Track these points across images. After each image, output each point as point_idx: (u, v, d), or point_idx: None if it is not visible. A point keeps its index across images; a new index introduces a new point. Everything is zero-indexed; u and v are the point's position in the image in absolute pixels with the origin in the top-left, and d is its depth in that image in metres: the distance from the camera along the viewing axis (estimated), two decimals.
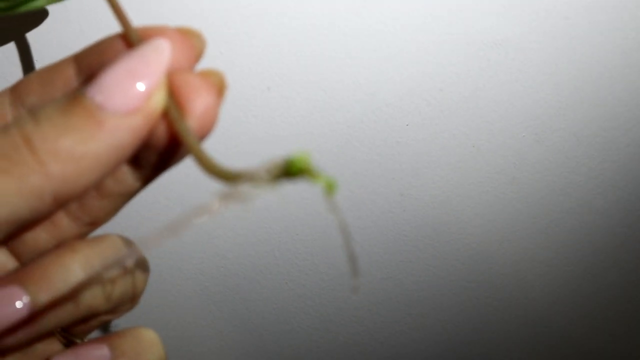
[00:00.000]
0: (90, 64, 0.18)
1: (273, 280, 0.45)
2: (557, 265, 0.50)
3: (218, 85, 0.18)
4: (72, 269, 0.17)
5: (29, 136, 0.15)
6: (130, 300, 0.20)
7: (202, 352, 0.48)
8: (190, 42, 0.18)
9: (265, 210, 0.42)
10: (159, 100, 0.16)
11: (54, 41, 0.31)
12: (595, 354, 0.57)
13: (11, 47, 0.30)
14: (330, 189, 0.17)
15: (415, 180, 0.42)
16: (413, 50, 0.36)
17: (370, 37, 0.35)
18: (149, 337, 0.20)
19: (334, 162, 0.40)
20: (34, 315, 0.16)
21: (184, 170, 0.38)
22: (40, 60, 0.31)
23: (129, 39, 0.17)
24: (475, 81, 0.38)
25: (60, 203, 0.15)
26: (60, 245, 0.18)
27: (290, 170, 0.17)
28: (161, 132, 0.17)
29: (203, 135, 0.17)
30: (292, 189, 0.41)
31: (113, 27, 0.18)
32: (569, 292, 0.53)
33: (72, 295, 0.17)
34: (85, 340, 0.20)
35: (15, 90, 0.18)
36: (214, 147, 0.37)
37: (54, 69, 0.18)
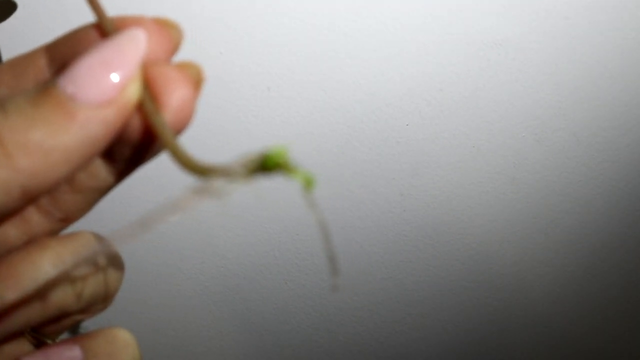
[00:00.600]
0: (62, 55, 0.17)
1: (273, 280, 0.45)
2: (557, 265, 0.50)
3: (195, 78, 0.17)
4: (41, 266, 0.16)
5: None
6: (103, 299, 0.19)
7: (202, 352, 0.48)
8: (168, 33, 0.17)
9: (266, 211, 0.42)
10: (133, 92, 0.15)
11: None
12: (595, 354, 0.57)
13: None
14: (308, 184, 0.16)
15: (415, 180, 0.42)
16: (413, 50, 0.36)
17: (370, 37, 0.35)
18: (123, 338, 0.19)
19: (334, 162, 0.40)
20: (0, 314, 0.16)
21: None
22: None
23: (104, 29, 0.17)
24: (475, 81, 0.38)
25: (29, 198, 0.15)
26: (30, 242, 0.17)
27: (266, 165, 0.16)
28: (135, 125, 0.16)
29: (179, 129, 0.17)
30: (292, 189, 0.41)
31: (85, 20, 0.18)
32: (569, 292, 0.53)
33: (41, 293, 0.16)
34: (57, 340, 0.19)
35: None
36: (214, 147, 0.37)
37: (25, 59, 0.17)
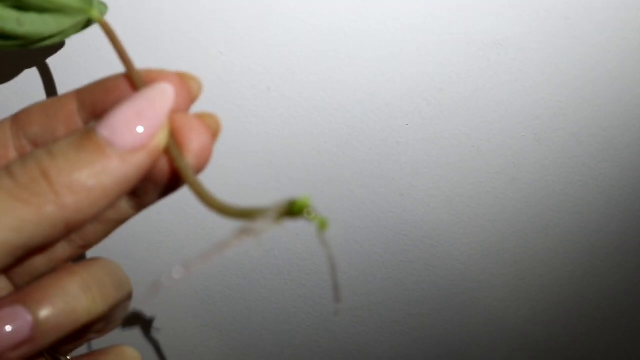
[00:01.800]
0: (93, 101, 0.19)
1: (273, 280, 0.45)
2: (557, 265, 0.50)
3: (213, 126, 0.20)
4: (71, 289, 0.18)
5: (46, 169, 0.16)
6: (117, 320, 0.21)
7: (202, 352, 0.48)
8: (188, 85, 0.19)
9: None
10: (162, 139, 0.18)
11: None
12: (595, 354, 0.57)
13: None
14: (322, 226, 0.19)
15: (415, 180, 0.42)
16: (413, 50, 0.36)
17: (370, 37, 0.35)
18: (131, 355, 0.21)
19: (334, 162, 0.40)
20: (36, 334, 0.17)
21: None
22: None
23: (133, 80, 0.19)
24: (475, 81, 0.38)
25: (70, 230, 0.17)
26: (58, 268, 0.19)
27: (291, 211, 0.19)
28: (161, 167, 0.18)
29: (199, 169, 0.19)
30: (292, 189, 0.41)
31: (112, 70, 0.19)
32: (569, 292, 0.53)
33: (72, 315, 0.18)
34: (69, 357, 0.21)
35: (16, 121, 0.19)
36: (215, 146, 0.37)
37: (56, 102, 0.19)
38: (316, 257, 0.45)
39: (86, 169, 0.16)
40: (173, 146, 0.18)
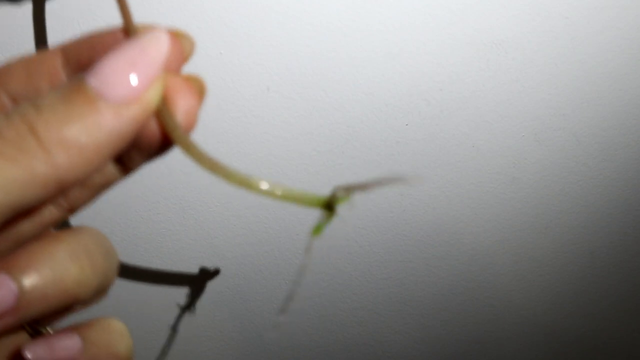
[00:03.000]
0: (78, 57, 0.18)
1: (273, 280, 0.45)
2: (557, 265, 0.50)
3: (199, 90, 0.19)
4: (58, 257, 0.17)
5: (33, 124, 0.15)
6: (104, 291, 0.20)
7: (202, 352, 0.48)
8: (180, 43, 0.18)
9: (265, 211, 0.42)
10: (157, 91, 0.16)
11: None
12: (595, 354, 0.57)
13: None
14: (317, 231, 0.18)
15: (414, 180, 0.42)
16: (413, 50, 0.36)
17: (370, 37, 0.35)
18: (118, 328, 0.20)
19: (334, 162, 0.40)
20: (20, 304, 0.16)
21: (182, 170, 0.38)
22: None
23: (128, 30, 0.17)
24: (475, 81, 0.38)
25: (62, 190, 0.16)
26: (44, 235, 0.18)
27: (327, 203, 0.18)
28: (150, 127, 0.17)
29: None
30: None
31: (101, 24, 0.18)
32: (569, 291, 0.53)
33: (60, 284, 0.17)
34: (50, 331, 0.19)
35: None
36: (214, 147, 0.37)
37: (39, 58, 0.18)
38: (316, 257, 0.45)
39: (77, 123, 0.15)
40: (162, 104, 0.17)
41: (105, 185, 0.19)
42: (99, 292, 0.19)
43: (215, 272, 0.43)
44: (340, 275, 0.46)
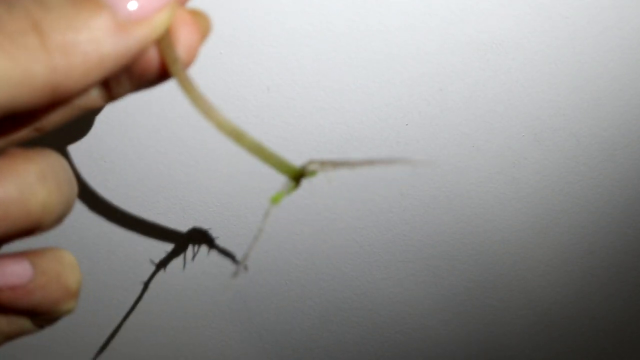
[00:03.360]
0: None
1: (273, 280, 0.45)
2: (557, 265, 0.50)
3: (203, 28, 0.18)
4: (26, 177, 0.16)
5: (38, 22, 0.14)
6: (61, 217, 0.18)
7: (202, 352, 0.48)
8: None
9: (265, 210, 0.42)
10: (168, 16, 0.16)
11: None
12: (595, 354, 0.57)
13: None
14: (276, 199, 0.19)
15: (415, 180, 0.42)
16: (413, 50, 0.36)
17: (370, 37, 0.35)
18: (70, 260, 0.19)
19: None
20: None
21: (182, 170, 0.38)
22: None
23: None
24: (475, 81, 0.38)
25: (54, 99, 0.15)
26: (9, 151, 0.17)
27: (296, 171, 0.19)
28: (151, 55, 0.17)
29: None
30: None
31: None
32: (569, 292, 0.53)
33: (24, 206, 0.16)
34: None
35: None
36: (215, 146, 0.37)
37: None
38: (316, 257, 0.45)
39: (83, 30, 0.14)
40: (166, 34, 0.16)
41: (83, 108, 0.18)
42: (57, 220, 0.18)
43: (203, 235, 0.41)
44: (340, 275, 0.46)
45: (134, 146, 0.36)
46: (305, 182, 0.18)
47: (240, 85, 0.35)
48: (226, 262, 0.43)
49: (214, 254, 0.42)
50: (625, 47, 0.39)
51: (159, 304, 0.45)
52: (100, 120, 0.35)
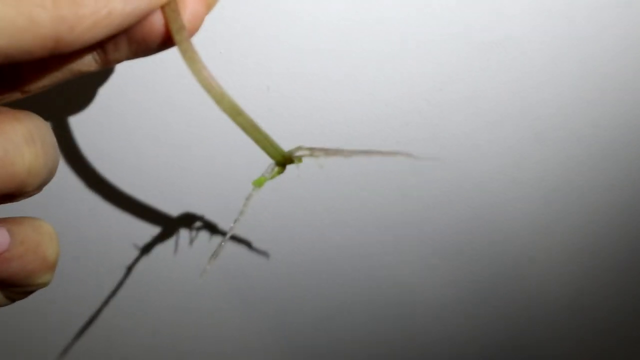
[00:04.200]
0: None
1: (273, 280, 0.45)
2: (558, 265, 0.50)
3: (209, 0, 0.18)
4: (13, 137, 0.15)
5: None
6: (41, 188, 0.18)
7: (202, 352, 0.48)
8: None
9: (265, 210, 0.42)
10: None
11: None
12: (595, 353, 0.57)
13: None
14: (259, 183, 0.19)
15: (415, 180, 0.42)
16: (413, 50, 0.36)
17: (370, 36, 0.35)
18: (48, 230, 0.18)
19: (334, 162, 0.40)
20: None
21: (182, 170, 0.38)
22: None
23: None
24: (476, 81, 0.38)
25: (55, 52, 0.14)
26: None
27: (281, 156, 0.18)
28: (156, 21, 0.17)
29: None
30: (292, 189, 0.41)
31: None
32: (570, 292, 0.53)
33: (9, 168, 0.15)
34: None
35: None
36: (215, 146, 0.37)
37: None
38: (316, 257, 0.45)
39: None
40: (171, 3, 0.16)
41: (73, 72, 0.17)
42: (40, 186, 0.17)
43: (191, 218, 0.40)
44: (340, 276, 0.46)
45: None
46: (295, 169, 0.18)
47: (240, 84, 0.35)
48: (226, 263, 0.43)
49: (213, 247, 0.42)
50: (626, 46, 0.39)
51: (159, 305, 0.45)
52: (94, 92, 0.34)
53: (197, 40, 0.33)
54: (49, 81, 0.17)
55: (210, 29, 0.32)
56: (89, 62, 0.17)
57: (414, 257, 0.47)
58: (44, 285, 0.18)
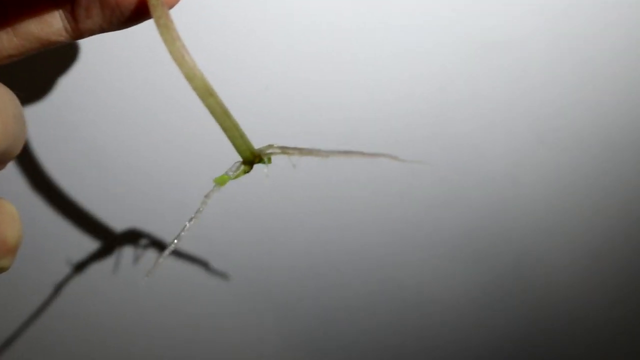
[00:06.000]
0: None
1: (273, 280, 0.45)
2: (558, 266, 0.50)
3: None
4: None
5: None
6: (4, 164, 0.17)
7: (202, 352, 0.48)
8: None
9: (265, 210, 0.42)
10: None
11: None
12: (596, 353, 0.57)
13: None
14: (222, 181, 0.18)
15: (415, 180, 0.42)
16: (413, 50, 0.36)
17: (371, 36, 0.35)
18: (11, 211, 0.17)
19: (334, 162, 0.40)
20: None
21: (182, 170, 0.38)
22: None
23: None
24: (476, 81, 0.38)
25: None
26: None
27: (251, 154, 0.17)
28: None
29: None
30: (292, 189, 0.41)
31: None
32: (570, 292, 0.52)
33: None
34: None
35: None
36: (215, 146, 0.37)
37: None
38: (316, 258, 0.45)
39: None
40: None
41: (43, 42, 0.16)
42: (1, 161, 0.16)
43: (137, 237, 0.37)
44: (340, 276, 0.46)
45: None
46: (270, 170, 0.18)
47: (239, 84, 0.35)
48: (226, 263, 0.43)
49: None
50: (627, 46, 0.39)
51: (159, 305, 0.45)
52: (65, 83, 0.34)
53: (196, 40, 0.33)
54: (16, 50, 0.16)
55: (211, 29, 0.32)
56: (58, 31, 0.17)
57: (413, 258, 0.47)
58: (2, 270, 0.17)
